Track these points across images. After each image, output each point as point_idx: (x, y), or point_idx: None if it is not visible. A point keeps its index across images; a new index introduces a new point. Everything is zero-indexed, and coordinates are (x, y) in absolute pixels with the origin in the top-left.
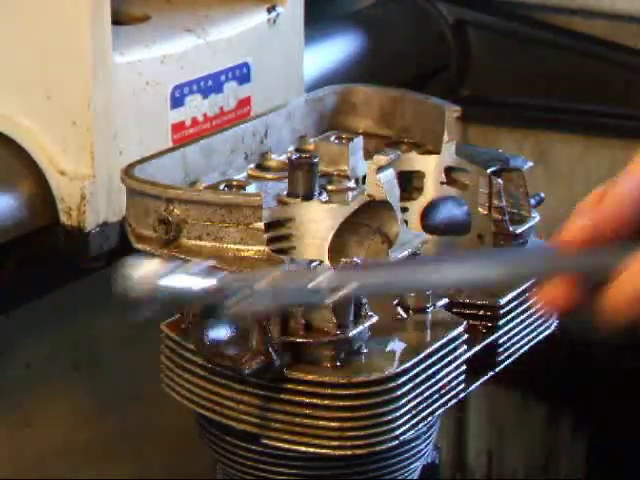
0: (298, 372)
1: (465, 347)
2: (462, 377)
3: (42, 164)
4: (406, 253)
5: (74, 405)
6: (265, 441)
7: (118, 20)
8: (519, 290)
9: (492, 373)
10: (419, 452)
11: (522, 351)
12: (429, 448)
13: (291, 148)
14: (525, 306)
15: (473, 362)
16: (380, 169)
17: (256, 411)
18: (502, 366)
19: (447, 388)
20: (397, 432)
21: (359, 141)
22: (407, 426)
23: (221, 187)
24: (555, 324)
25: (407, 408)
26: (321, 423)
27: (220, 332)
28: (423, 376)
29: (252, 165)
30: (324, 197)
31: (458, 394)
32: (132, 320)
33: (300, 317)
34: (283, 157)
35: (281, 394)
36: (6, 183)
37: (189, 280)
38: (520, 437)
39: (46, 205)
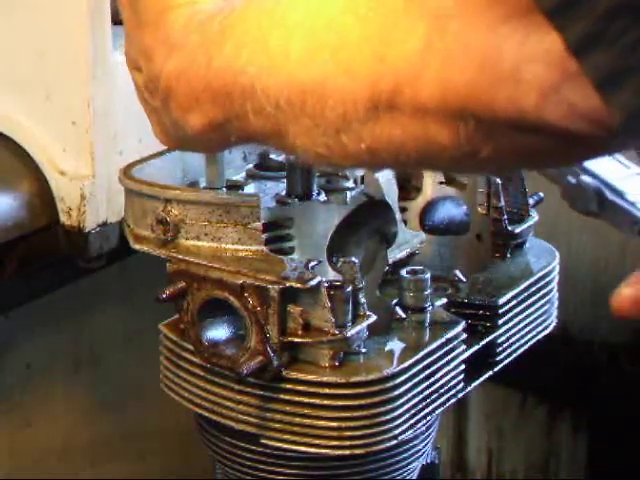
0: (296, 372)
1: (464, 346)
2: (461, 376)
3: (42, 164)
4: (405, 253)
5: (74, 405)
6: (264, 441)
7: (118, 20)
8: (518, 290)
9: (491, 372)
10: (418, 452)
11: (521, 350)
12: (428, 448)
13: None
14: (524, 305)
15: (472, 361)
16: None
17: (255, 411)
18: (501, 365)
19: (446, 387)
20: (395, 432)
21: None
22: (405, 426)
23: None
24: (554, 324)
25: (405, 408)
26: (319, 423)
27: (218, 332)
28: (421, 376)
29: (251, 165)
30: (323, 197)
31: (457, 393)
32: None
33: (298, 317)
34: (282, 157)
35: (279, 394)
36: (6, 183)
37: None
38: (520, 437)
39: (46, 205)
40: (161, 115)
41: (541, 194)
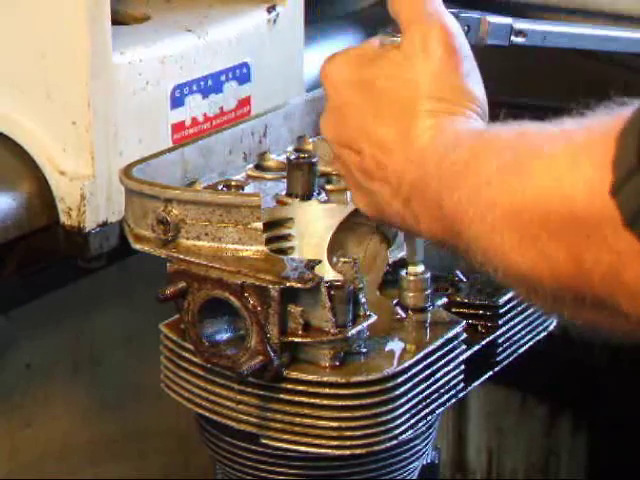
0: (297, 372)
1: (464, 346)
2: (461, 377)
3: (42, 164)
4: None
5: (74, 405)
6: (264, 441)
7: (118, 20)
8: None
9: (491, 372)
10: (418, 452)
11: (521, 351)
12: (428, 448)
13: (290, 148)
14: (524, 305)
15: (472, 361)
16: None
17: (255, 411)
18: (501, 365)
19: (446, 387)
20: (396, 432)
21: None
22: (406, 426)
23: (220, 187)
24: (554, 324)
25: (406, 408)
26: (320, 423)
27: (219, 332)
28: (422, 376)
29: (251, 165)
30: (323, 197)
31: (457, 393)
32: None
33: (299, 317)
34: (282, 157)
35: (280, 394)
36: (6, 183)
37: None
38: (520, 437)
39: (46, 205)
40: (370, 195)
41: None
